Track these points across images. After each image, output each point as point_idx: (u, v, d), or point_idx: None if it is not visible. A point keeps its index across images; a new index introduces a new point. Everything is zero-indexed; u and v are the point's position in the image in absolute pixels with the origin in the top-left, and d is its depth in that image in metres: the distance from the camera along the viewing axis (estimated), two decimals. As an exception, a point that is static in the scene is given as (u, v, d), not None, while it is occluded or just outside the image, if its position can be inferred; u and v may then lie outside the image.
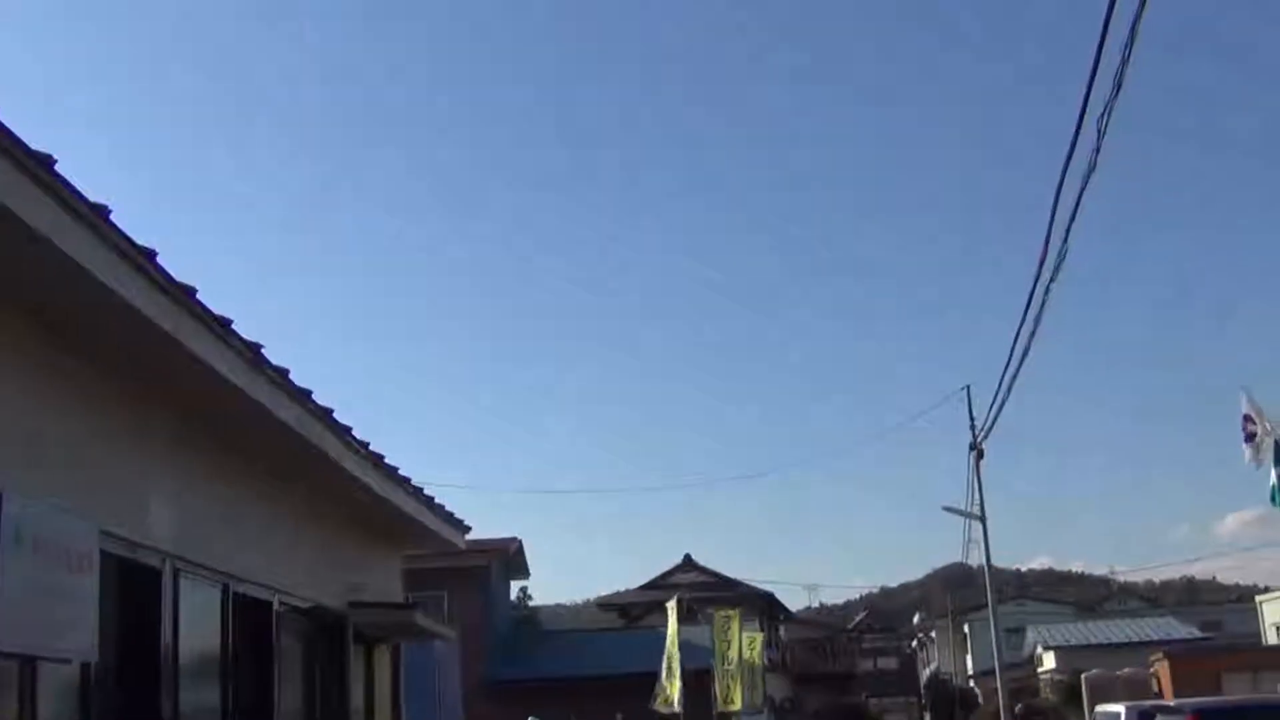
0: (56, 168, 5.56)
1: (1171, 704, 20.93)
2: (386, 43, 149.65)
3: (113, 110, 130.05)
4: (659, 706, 29.26)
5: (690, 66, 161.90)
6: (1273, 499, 23.85)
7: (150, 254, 6.53)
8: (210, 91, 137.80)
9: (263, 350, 8.23)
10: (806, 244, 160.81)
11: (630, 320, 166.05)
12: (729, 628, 31.87)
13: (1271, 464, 22.76)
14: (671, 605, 31.48)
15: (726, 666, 31.01)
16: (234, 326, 7.70)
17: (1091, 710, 25.90)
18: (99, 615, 6.52)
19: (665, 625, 30.67)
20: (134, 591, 7.92)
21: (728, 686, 30.74)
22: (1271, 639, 42.85)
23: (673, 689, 29.10)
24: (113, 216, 6.07)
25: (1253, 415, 21.89)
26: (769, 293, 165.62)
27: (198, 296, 7.12)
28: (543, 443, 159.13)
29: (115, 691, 7.59)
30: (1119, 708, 20.61)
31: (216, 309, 7.43)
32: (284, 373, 8.72)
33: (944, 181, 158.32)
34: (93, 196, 5.89)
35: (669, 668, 29.42)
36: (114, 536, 7.28)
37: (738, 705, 30.65)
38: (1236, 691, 27.10)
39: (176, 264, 6.76)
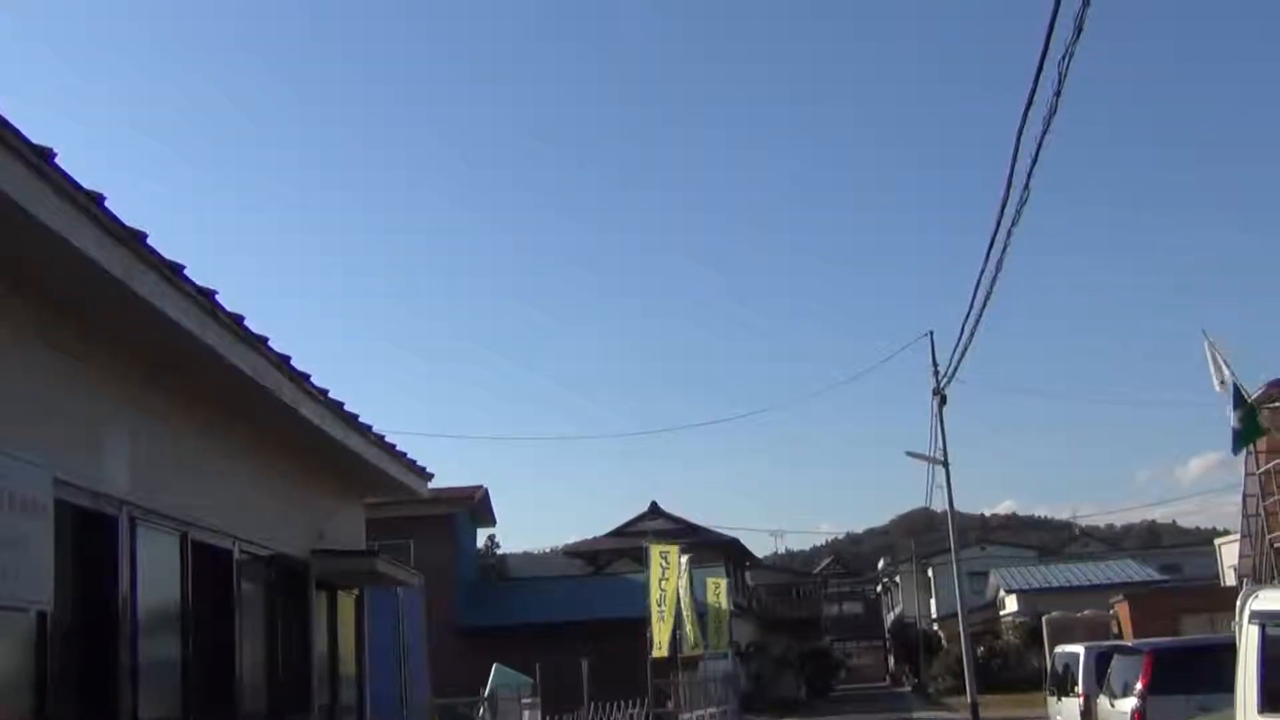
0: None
1: (1128, 644, 21.23)
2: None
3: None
4: (655, 654, 29.46)
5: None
6: (1235, 446, 24.11)
7: (99, 198, 6.43)
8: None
9: (216, 296, 8.15)
10: (761, 203, 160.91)
11: (595, 269, 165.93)
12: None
13: (1230, 409, 23.01)
14: (668, 551, 31.24)
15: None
16: (186, 273, 7.62)
17: (1051, 651, 26.24)
18: (55, 564, 6.48)
19: (632, 573, 30.70)
20: (90, 540, 7.86)
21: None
22: (1229, 581, 43.45)
23: (661, 634, 29.42)
24: (57, 160, 5.97)
25: (1215, 361, 22.16)
26: (731, 248, 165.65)
27: (148, 241, 7.03)
28: (510, 392, 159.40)
29: (73, 641, 7.55)
30: (1078, 648, 20.89)
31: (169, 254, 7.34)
32: (238, 319, 8.64)
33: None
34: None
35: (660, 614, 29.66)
36: (69, 485, 7.22)
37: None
38: (1194, 632, 27.51)
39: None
